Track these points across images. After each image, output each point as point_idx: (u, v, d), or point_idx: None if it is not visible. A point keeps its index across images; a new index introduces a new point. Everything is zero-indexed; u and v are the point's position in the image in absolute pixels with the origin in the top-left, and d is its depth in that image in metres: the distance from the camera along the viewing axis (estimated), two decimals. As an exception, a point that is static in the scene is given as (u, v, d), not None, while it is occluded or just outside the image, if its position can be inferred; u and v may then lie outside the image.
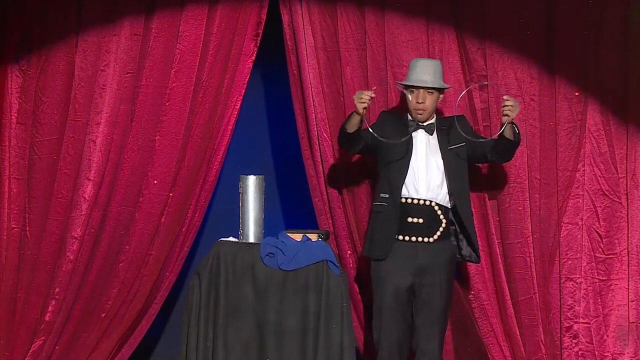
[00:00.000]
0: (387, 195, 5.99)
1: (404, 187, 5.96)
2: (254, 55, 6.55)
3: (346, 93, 6.49)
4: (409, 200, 5.97)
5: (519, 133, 5.99)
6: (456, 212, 6.01)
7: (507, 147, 5.99)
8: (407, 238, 5.97)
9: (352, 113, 5.91)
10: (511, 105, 5.83)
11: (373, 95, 5.85)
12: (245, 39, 6.52)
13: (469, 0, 6.50)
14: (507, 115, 5.84)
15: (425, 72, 5.95)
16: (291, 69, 6.55)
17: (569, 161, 6.52)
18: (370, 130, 5.91)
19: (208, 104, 6.50)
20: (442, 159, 5.99)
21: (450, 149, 5.99)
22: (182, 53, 6.46)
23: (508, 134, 5.94)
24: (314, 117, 6.50)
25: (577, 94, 6.51)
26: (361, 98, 5.80)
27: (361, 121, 5.87)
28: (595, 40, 6.48)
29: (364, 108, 5.80)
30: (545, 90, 6.51)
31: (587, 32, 6.48)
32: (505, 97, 5.88)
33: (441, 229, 5.99)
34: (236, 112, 6.57)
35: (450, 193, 5.99)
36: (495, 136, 5.97)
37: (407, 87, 6.00)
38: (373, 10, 6.47)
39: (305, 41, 6.48)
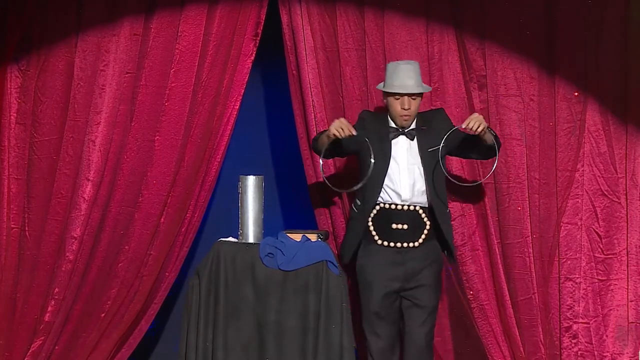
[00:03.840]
0: (359, 203, 5.99)
1: (385, 193, 5.95)
2: (253, 55, 6.55)
3: (345, 93, 6.50)
4: (393, 206, 5.96)
5: (496, 135, 5.97)
6: (432, 213, 5.99)
7: (488, 149, 5.98)
8: (392, 244, 5.96)
9: (324, 132, 5.93)
10: (475, 122, 5.79)
11: (354, 134, 5.83)
12: (244, 39, 6.52)
13: (468, 0, 6.50)
14: (477, 131, 5.82)
15: (407, 77, 5.88)
16: (290, 69, 6.55)
17: (568, 161, 6.52)
18: (366, 140, 5.88)
19: (207, 104, 6.50)
20: (422, 162, 5.95)
21: (430, 151, 5.95)
22: (181, 53, 6.46)
23: (487, 140, 5.93)
24: (313, 117, 6.50)
25: (576, 94, 6.51)
26: (342, 129, 5.78)
27: (329, 143, 5.87)
28: (595, 40, 6.48)
29: (334, 136, 5.80)
30: (545, 90, 6.51)
31: (587, 32, 6.48)
32: (464, 127, 5.84)
33: (425, 231, 5.98)
34: (235, 112, 6.57)
35: (428, 196, 5.97)
36: (460, 127, 5.91)
37: (390, 93, 5.95)
38: (372, 11, 6.47)
39: (305, 41, 6.48)
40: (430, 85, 6.33)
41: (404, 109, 5.90)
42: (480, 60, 6.50)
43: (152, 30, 6.47)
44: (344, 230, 6.55)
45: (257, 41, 6.53)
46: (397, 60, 6.40)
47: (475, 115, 5.86)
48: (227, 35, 6.49)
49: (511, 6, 6.47)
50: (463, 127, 5.87)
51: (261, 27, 6.52)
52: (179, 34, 6.46)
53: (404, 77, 5.88)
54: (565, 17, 6.48)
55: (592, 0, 6.46)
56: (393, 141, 5.97)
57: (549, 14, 6.49)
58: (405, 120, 5.93)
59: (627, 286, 6.52)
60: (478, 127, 5.79)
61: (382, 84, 6.01)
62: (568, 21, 6.48)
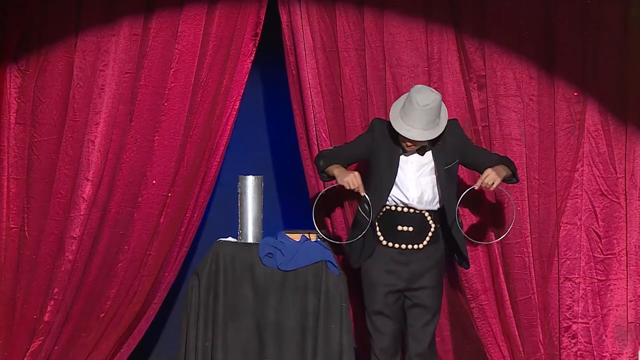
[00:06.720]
0: (368, 209, 5.98)
1: (392, 200, 5.94)
2: (253, 55, 6.54)
3: (345, 93, 6.49)
4: (399, 209, 5.96)
5: (514, 174, 6.01)
6: (439, 217, 5.99)
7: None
8: (396, 245, 5.97)
9: (335, 170, 5.95)
10: (489, 179, 5.84)
11: (362, 194, 5.87)
12: (244, 39, 6.52)
13: (468, 0, 6.50)
14: (492, 188, 5.88)
15: (418, 122, 5.79)
16: (290, 69, 6.54)
17: (567, 161, 6.52)
18: (366, 197, 5.89)
19: (207, 104, 6.50)
20: (437, 178, 5.94)
21: (446, 168, 5.95)
22: (181, 53, 6.46)
23: (506, 180, 6.00)
24: (312, 117, 6.50)
25: (576, 94, 6.52)
26: (354, 184, 5.83)
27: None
28: (595, 40, 6.48)
29: (341, 186, 5.88)
30: (544, 90, 6.52)
31: (586, 32, 6.48)
32: (477, 187, 5.89)
33: (430, 233, 5.98)
34: (235, 112, 6.57)
35: (441, 206, 5.98)
36: (474, 187, 5.95)
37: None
38: (372, 11, 6.47)
39: (304, 41, 6.48)
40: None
41: (407, 145, 5.90)
42: (479, 60, 6.50)
43: (152, 31, 6.47)
44: (344, 230, 6.55)
45: (257, 41, 6.53)
46: (397, 60, 6.41)
47: (489, 171, 5.87)
48: (227, 35, 6.49)
49: (511, 6, 6.48)
50: (477, 188, 5.89)
51: (261, 27, 6.52)
52: (179, 34, 6.46)
53: (415, 120, 5.80)
54: (564, 17, 6.48)
55: (592, 0, 6.46)
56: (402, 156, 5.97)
57: (548, 14, 6.49)
58: (409, 149, 5.92)
59: (627, 286, 6.53)
60: (492, 184, 5.85)
61: (394, 109, 5.93)
62: (568, 21, 6.48)
